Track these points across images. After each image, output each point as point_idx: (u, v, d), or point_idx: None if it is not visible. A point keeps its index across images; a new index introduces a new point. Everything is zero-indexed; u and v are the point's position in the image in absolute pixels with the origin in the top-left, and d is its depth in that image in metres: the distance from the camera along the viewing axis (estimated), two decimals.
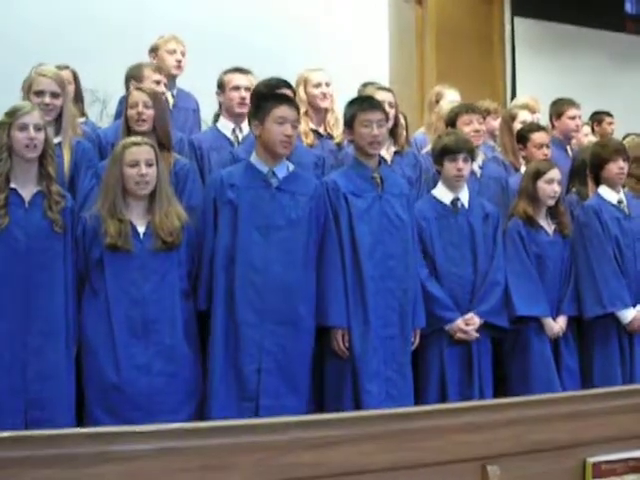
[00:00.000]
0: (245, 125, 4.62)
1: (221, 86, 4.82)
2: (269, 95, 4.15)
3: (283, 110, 3.89)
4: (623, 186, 4.73)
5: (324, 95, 4.97)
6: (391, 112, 4.56)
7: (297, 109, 4.01)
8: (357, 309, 3.95)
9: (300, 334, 3.86)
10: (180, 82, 5.41)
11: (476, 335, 4.20)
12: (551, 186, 4.48)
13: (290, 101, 4.02)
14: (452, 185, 4.35)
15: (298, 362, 3.86)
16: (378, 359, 3.94)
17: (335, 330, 3.94)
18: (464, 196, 4.38)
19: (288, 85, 4.48)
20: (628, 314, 4.43)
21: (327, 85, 4.99)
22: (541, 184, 4.48)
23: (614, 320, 4.46)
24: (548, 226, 4.53)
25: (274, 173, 3.93)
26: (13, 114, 3.68)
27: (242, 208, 3.86)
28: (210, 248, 3.88)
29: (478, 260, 4.29)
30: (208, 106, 5.33)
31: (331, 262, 3.97)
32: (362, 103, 4.20)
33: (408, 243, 4.08)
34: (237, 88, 4.75)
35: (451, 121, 4.83)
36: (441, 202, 4.36)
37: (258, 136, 3.96)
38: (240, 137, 4.70)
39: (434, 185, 4.49)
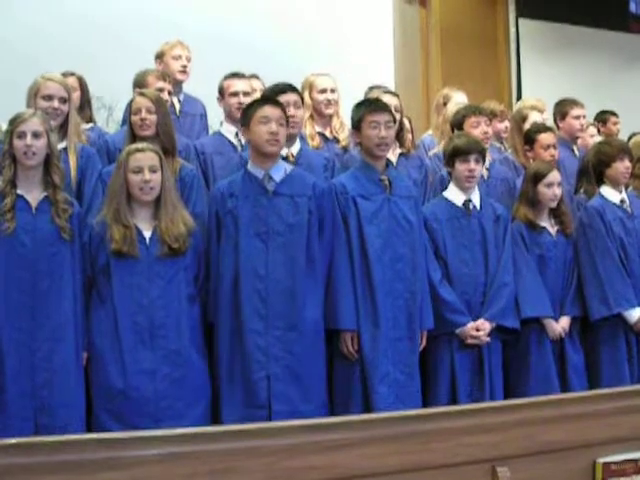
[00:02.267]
0: None
1: (221, 92, 4.86)
2: (253, 100, 4.19)
3: (265, 110, 3.91)
4: (627, 186, 4.72)
5: (329, 101, 5.00)
6: (396, 116, 4.56)
7: (282, 109, 3.99)
8: (367, 312, 3.95)
9: (307, 338, 3.85)
10: (186, 87, 5.42)
11: (487, 340, 4.20)
12: (551, 189, 4.46)
13: (274, 101, 4.03)
14: (463, 186, 4.34)
15: (309, 366, 3.84)
16: (387, 361, 3.93)
17: (345, 333, 3.94)
18: (475, 198, 4.37)
19: (294, 89, 4.48)
20: (634, 314, 4.42)
21: (332, 91, 5.01)
22: (541, 188, 4.47)
23: (621, 320, 4.45)
24: (551, 227, 4.52)
25: (270, 177, 3.93)
26: (14, 122, 3.71)
27: (241, 216, 3.86)
28: (216, 261, 3.89)
29: (489, 262, 4.28)
30: (215, 111, 5.34)
31: (340, 265, 3.97)
32: (369, 105, 4.21)
33: (415, 245, 4.08)
34: (235, 94, 4.80)
35: (458, 123, 4.82)
36: (453, 204, 4.35)
37: (248, 141, 3.99)
38: (243, 141, 4.70)
39: (441, 187, 4.49)
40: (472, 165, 4.30)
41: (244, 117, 3.99)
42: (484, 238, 4.30)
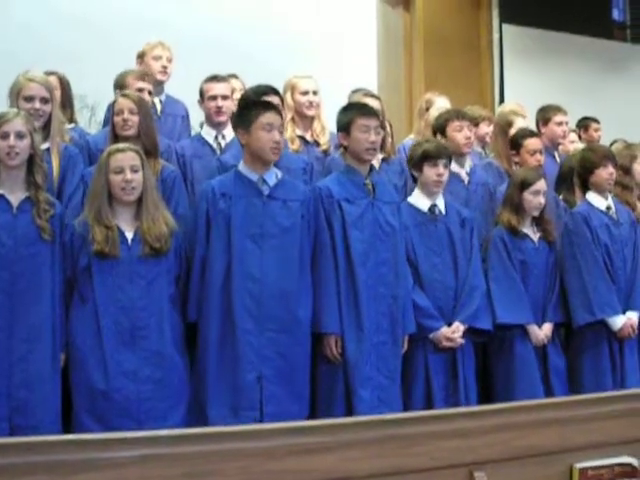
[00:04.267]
0: (227, 132, 4.65)
1: (201, 95, 4.85)
2: (253, 103, 4.14)
3: (269, 117, 3.89)
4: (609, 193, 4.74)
5: (310, 103, 4.98)
6: None
7: (281, 115, 4.01)
8: (351, 315, 3.95)
9: (298, 340, 3.87)
10: (169, 89, 5.41)
11: (461, 342, 4.21)
12: (537, 198, 4.47)
13: (274, 107, 4.02)
14: (431, 191, 4.34)
15: (298, 368, 3.87)
16: (370, 365, 3.94)
17: (328, 336, 3.94)
18: (440, 202, 4.37)
19: (276, 92, 4.49)
20: (618, 321, 4.44)
21: (314, 93, 5.00)
22: (527, 195, 4.47)
23: (604, 327, 4.47)
24: (533, 234, 4.53)
25: (264, 181, 3.93)
26: None
27: (235, 217, 3.85)
28: (200, 259, 3.87)
29: (459, 266, 4.30)
30: (197, 113, 5.33)
31: (324, 269, 3.97)
32: (361, 108, 4.20)
33: (398, 250, 4.09)
34: (214, 98, 4.78)
35: (441, 127, 4.80)
36: (419, 209, 4.35)
37: (245, 144, 3.95)
38: (223, 144, 4.72)
39: None
40: (441, 170, 4.30)
41: (241, 119, 3.97)
42: (452, 242, 4.32)
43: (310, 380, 3.97)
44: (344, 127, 4.13)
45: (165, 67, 5.31)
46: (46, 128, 4.05)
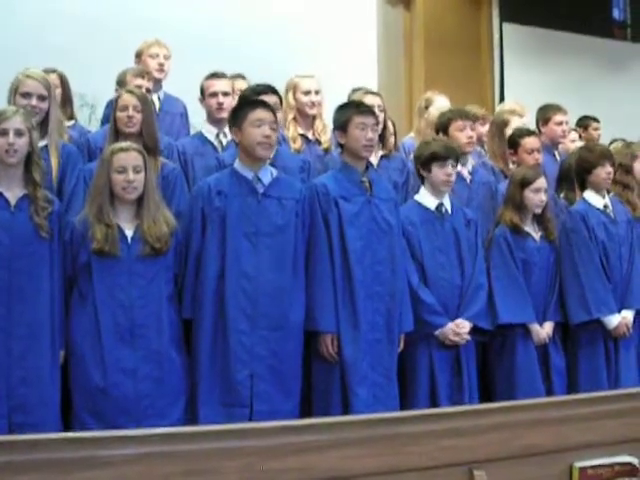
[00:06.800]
0: (228, 129, 4.64)
1: (202, 92, 4.86)
2: (245, 101, 4.16)
3: (258, 113, 3.91)
4: (608, 192, 4.74)
5: (312, 103, 4.97)
6: (380, 116, 4.57)
7: (273, 112, 3.99)
8: (347, 314, 3.94)
9: (291, 338, 3.86)
10: (169, 87, 5.41)
11: (467, 338, 4.21)
12: (538, 195, 4.48)
13: (265, 104, 4.01)
14: (439, 190, 4.34)
15: (290, 366, 3.86)
16: (366, 363, 3.93)
17: (325, 335, 3.93)
18: (447, 202, 4.38)
19: (274, 91, 4.49)
20: (613, 320, 4.45)
21: (316, 93, 4.99)
22: (528, 193, 4.48)
23: (600, 325, 4.48)
24: (535, 232, 4.54)
25: (259, 179, 3.93)
26: None
27: (230, 216, 3.86)
28: (195, 256, 3.87)
29: (464, 265, 4.30)
30: (197, 111, 5.33)
31: (320, 267, 3.96)
32: (358, 106, 4.20)
33: (395, 247, 4.08)
34: (214, 94, 4.79)
35: (443, 126, 4.81)
36: (426, 207, 4.36)
37: (239, 142, 3.96)
38: (224, 142, 4.71)
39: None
40: (449, 170, 4.31)
41: (234, 118, 3.98)
42: (458, 241, 4.32)
43: (306, 378, 3.98)
44: (341, 125, 4.13)
45: (162, 65, 5.33)
46: (43, 125, 4.03)
